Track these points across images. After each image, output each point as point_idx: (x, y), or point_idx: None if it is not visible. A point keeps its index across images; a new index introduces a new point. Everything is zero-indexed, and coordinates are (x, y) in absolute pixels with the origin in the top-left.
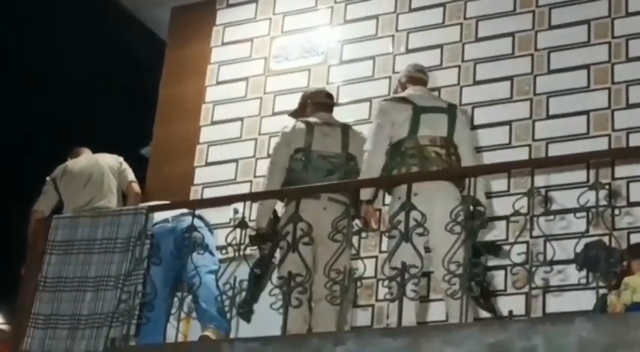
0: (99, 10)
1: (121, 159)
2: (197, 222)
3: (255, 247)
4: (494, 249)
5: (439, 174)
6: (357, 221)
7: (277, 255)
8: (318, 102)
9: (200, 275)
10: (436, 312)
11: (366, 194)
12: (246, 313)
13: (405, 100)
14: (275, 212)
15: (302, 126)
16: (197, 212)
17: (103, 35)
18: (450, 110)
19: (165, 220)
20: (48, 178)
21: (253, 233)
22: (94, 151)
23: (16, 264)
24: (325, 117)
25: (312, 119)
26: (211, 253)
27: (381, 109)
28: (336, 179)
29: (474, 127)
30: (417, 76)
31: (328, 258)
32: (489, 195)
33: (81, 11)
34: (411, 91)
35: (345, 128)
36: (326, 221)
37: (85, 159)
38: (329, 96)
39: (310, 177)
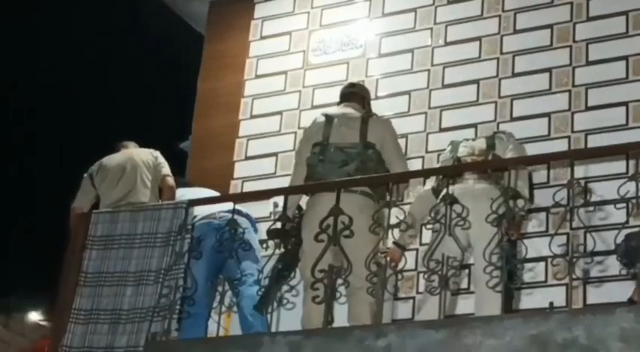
0: (136, 3)
1: (156, 153)
2: (243, 223)
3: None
4: None
5: (478, 166)
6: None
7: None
8: (341, 96)
9: (247, 284)
10: (468, 305)
11: (399, 237)
12: (261, 307)
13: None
14: (300, 207)
15: (322, 119)
16: (244, 210)
17: (141, 29)
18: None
19: (212, 216)
20: (85, 175)
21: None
22: (140, 145)
23: (55, 260)
24: (344, 108)
25: (332, 111)
26: (256, 258)
27: None
28: (352, 169)
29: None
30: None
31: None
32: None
33: (118, 3)
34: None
35: (366, 117)
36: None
37: (121, 155)
38: (348, 85)
39: (325, 171)
